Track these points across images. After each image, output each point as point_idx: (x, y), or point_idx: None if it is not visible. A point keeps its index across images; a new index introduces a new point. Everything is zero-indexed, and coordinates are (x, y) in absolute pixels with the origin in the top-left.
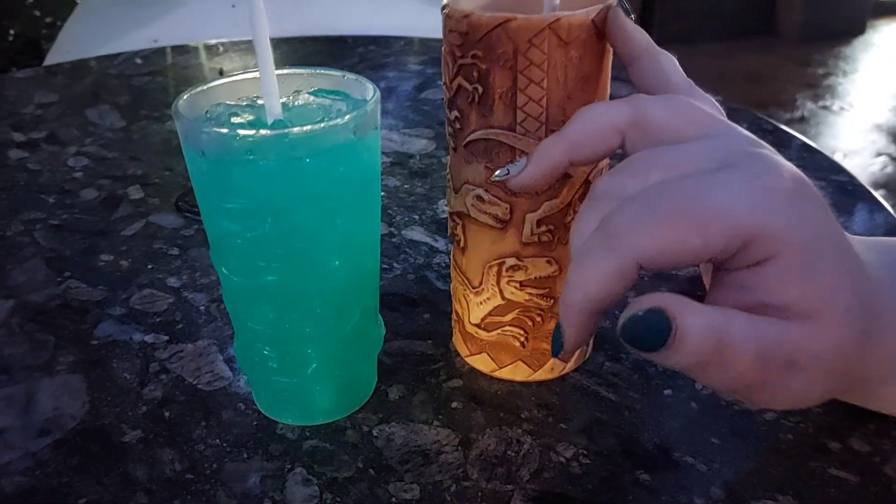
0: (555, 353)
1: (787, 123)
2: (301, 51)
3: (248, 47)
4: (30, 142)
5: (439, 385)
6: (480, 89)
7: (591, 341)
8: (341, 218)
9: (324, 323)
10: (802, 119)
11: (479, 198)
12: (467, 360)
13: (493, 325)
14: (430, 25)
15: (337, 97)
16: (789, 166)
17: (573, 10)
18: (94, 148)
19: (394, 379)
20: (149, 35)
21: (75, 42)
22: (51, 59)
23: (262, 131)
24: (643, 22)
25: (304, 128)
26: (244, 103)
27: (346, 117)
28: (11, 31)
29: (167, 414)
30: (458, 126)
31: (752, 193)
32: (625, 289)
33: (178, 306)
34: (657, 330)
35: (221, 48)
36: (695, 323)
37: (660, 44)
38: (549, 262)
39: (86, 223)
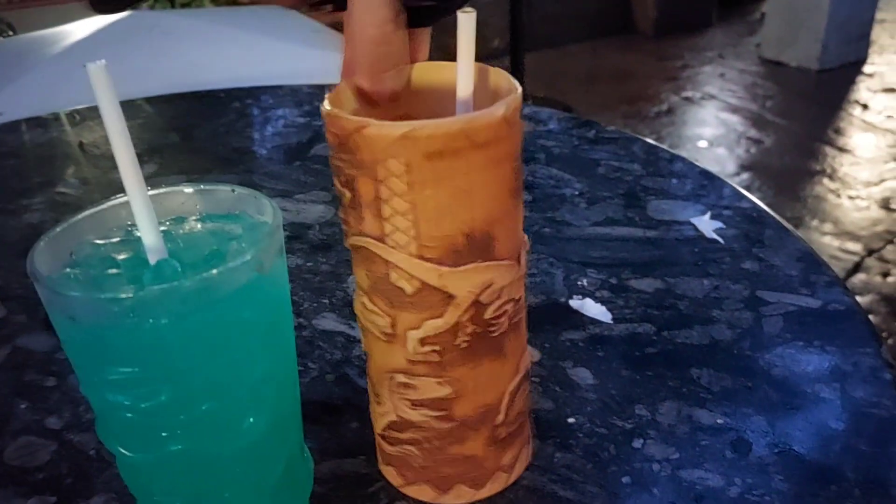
0: None
1: (656, 117)
2: (169, 112)
3: None
4: None
5: None
6: (348, 194)
7: (532, 434)
8: (250, 367)
9: (244, 484)
10: (669, 111)
11: (364, 305)
12: (401, 489)
13: (393, 439)
14: (311, 69)
15: (229, 222)
16: None
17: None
18: None
19: None
20: None
21: None
22: None
23: (146, 289)
24: (513, 28)
25: (197, 277)
26: (117, 239)
27: (248, 256)
28: None
29: None
30: (344, 227)
31: None
32: None
33: (63, 455)
34: None
35: (78, 116)
36: None
37: (530, 49)
38: (440, 383)
39: None
